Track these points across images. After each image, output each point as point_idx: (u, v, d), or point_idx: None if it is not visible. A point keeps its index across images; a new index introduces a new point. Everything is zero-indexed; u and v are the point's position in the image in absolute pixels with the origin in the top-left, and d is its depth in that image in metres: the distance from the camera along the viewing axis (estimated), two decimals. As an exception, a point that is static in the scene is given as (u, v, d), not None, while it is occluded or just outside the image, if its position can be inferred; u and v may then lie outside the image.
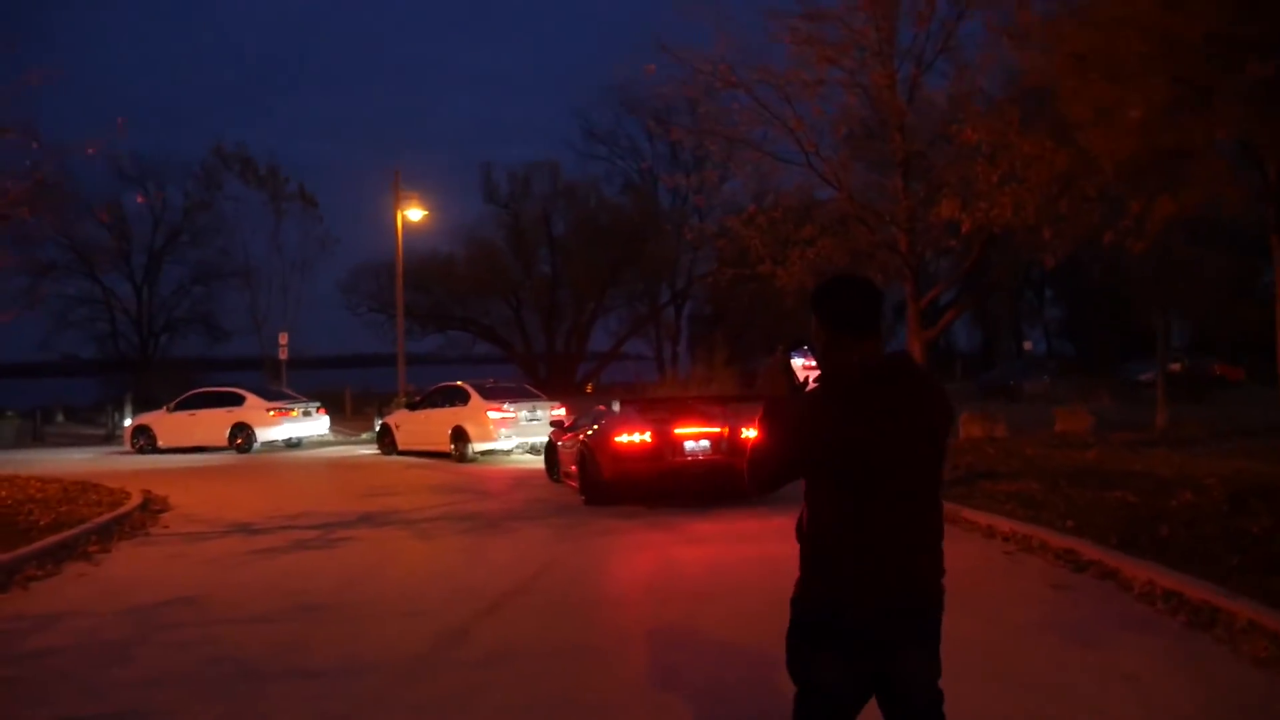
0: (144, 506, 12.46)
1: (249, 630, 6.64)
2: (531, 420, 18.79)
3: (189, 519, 11.93)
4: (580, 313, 50.51)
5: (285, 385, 27.82)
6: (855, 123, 16.24)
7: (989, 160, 13.39)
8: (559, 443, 14.68)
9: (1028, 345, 55.43)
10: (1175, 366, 30.75)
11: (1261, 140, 9.57)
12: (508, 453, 19.46)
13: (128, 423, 25.04)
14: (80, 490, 13.56)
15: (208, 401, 23.24)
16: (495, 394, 19.34)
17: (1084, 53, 8.96)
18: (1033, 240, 14.33)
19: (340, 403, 31.55)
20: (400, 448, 20.69)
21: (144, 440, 23.15)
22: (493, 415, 18.64)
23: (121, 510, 11.77)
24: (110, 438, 27.67)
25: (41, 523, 10.56)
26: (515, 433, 18.81)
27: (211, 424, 22.76)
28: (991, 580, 7.57)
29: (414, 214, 29.86)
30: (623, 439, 12.10)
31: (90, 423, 32.82)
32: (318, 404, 24.47)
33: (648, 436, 12.07)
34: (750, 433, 11.60)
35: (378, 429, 22.66)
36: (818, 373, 2.84)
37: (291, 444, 23.82)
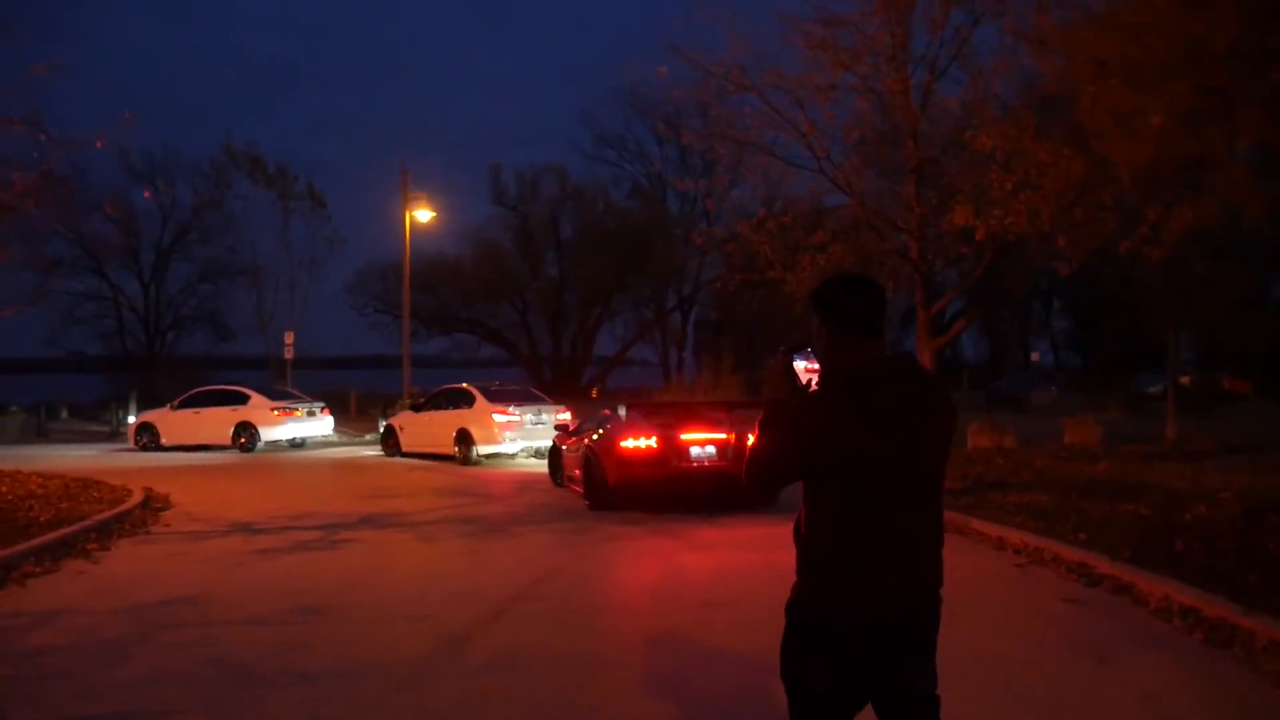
0: (145, 504, 12.38)
1: (248, 631, 6.53)
2: (537, 424, 18.69)
3: (190, 517, 11.84)
4: (586, 317, 50.49)
5: (290, 385, 27.80)
6: (868, 128, 16.16)
7: (1003, 167, 13.28)
8: (563, 447, 14.58)
9: (1035, 356, 55.35)
10: (1184, 380, 30.57)
11: (1284, 149, 9.46)
12: (512, 456, 19.35)
13: (132, 420, 24.99)
14: (82, 487, 13.48)
15: (212, 400, 23.19)
16: (500, 397, 19.25)
17: (1105, 58, 8.83)
18: (1047, 249, 14.21)
19: (345, 403, 31.53)
20: (404, 449, 20.60)
21: (147, 438, 23.11)
22: (497, 418, 18.54)
23: (122, 508, 11.69)
24: (114, 435, 27.64)
25: (41, 519, 10.47)
26: (520, 436, 18.71)
27: (215, 422, 22.70)
28: (1003, 593, 7.44)
29: (422, 215, 29.80)
30: (628, 444, 11.99)
31: (95, 419, 32.80)
32: (322, 404, 24.40)
33: (653, 442, 11.96)
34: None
35: (382, 430, 22.58)
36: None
37: (295, 444, 23.75)
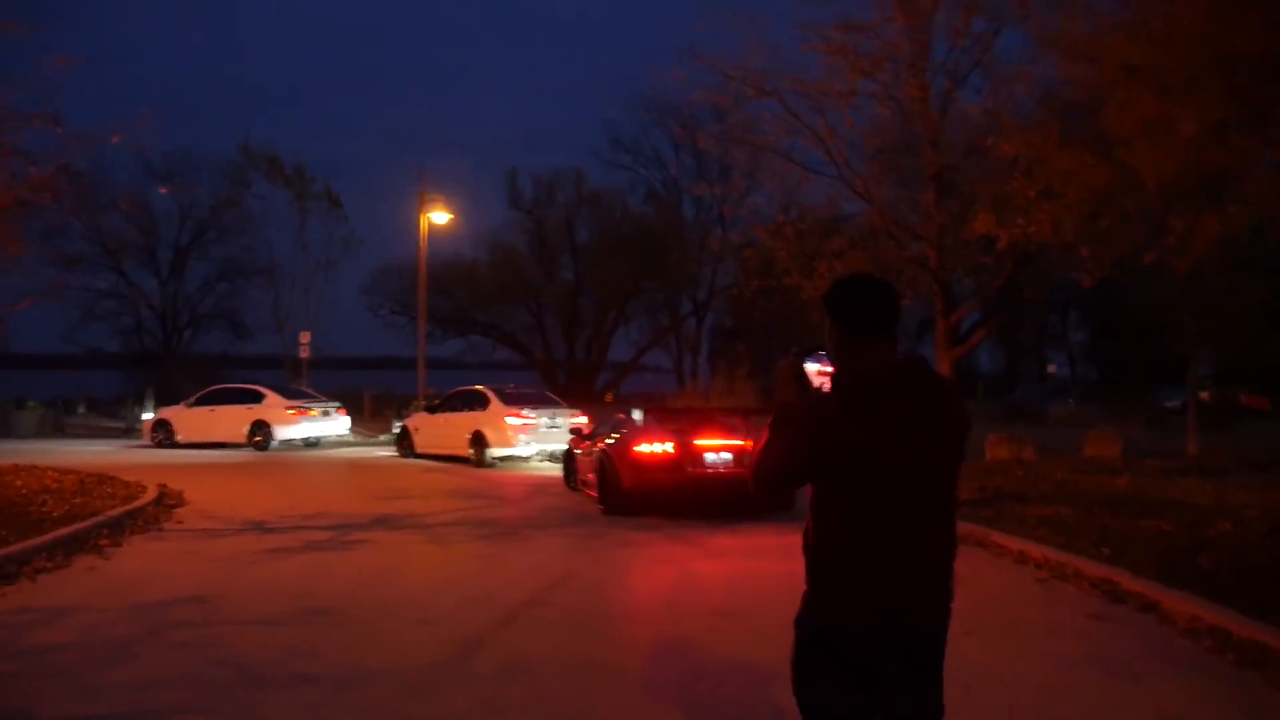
0: (158, 501, 12.34)
1: (256, 633, 6.44)
2: (551, 427, 18.59)
3: (203, 515, 11.79)
4: (601, 321, 50.45)
5: (305, 384, 27.79)
6: (888, 135, 16.02)
7: (1026, 175, 13.12)
8: (577, 450, 14.49)
9: (1052, 368, 54.96)
10: (1203, 395, 30.23)
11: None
12: (526, 459, 19.27)
13: (148, 416, 25.05)
14: (96, 482, 13.47)
15: (227, 398, 23.21)
16: (515, 400, 19.18)
17: (1134, 65, 8.68)
18: (1069, 259, 14.03)
19: (360, 404, 31.55)
20: (418, 450, 20.54)
21: (163, 434, 23.14)
22: (512, 421, 18.47)
23: (135, 504, 11.65)
24: (130, 431, 27.68)
25: (54, 514, 10.44)
26: (535, 439, 18.62)
27: (230, 420, 22.71)
28: (1026, 609, 7.29)
29: (438, 217, 29.80)
30: (643, 449, 11.90)
31: (112, 415, 32.88)
32: (337, 404, 24.39)
33: (669, 447, 11.86)
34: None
35: (396, 431, 22.55)
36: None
37: (310, 443, 23.73)
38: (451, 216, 30.31)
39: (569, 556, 9.47)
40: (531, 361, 50.53)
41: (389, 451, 22.30)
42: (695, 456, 11.86)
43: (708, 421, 12.83)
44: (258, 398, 22.95)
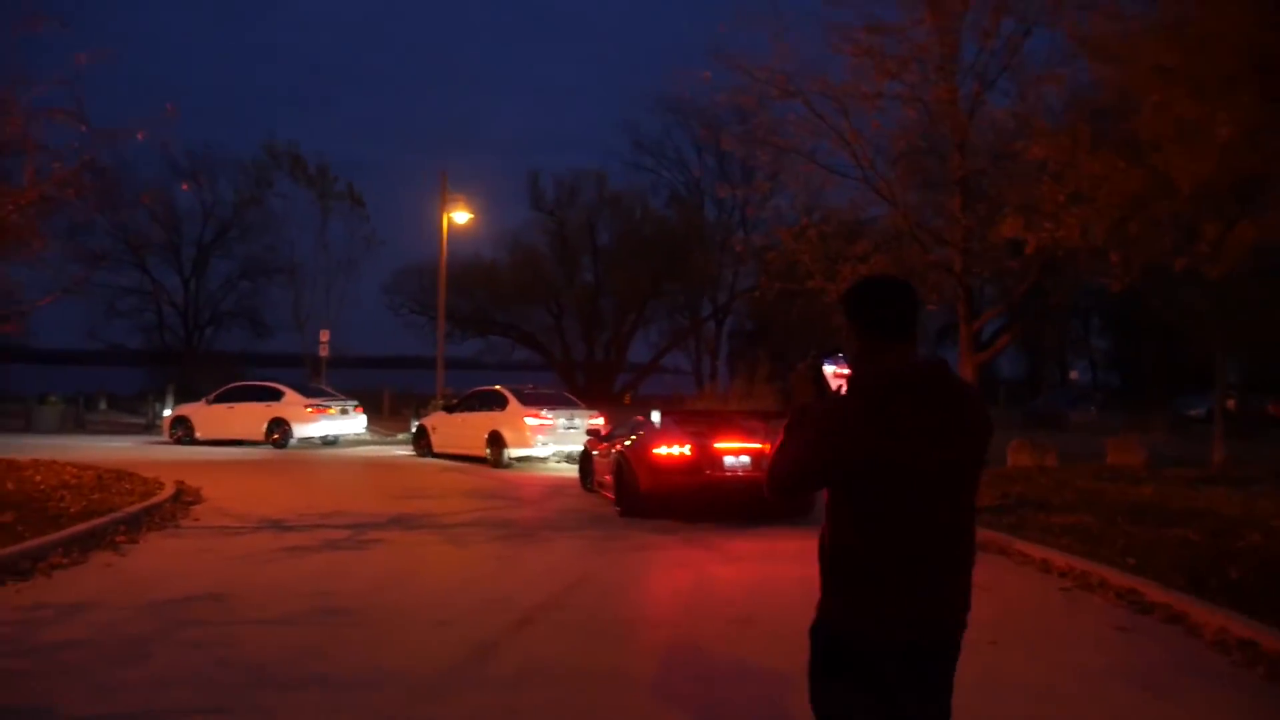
0: (176, 498, 12.33)
1: (270, 633, 6.39)
2: (569, 428, 18.53)
3: (220, 512, 11.78)
4: (621, 323, 50.38)
5: (324, 383, 27.86)
6: (914, 138, 15.87)
7: (1055, 179, 12.95)
8: (594, 452, 14.42)
9: (1073, 375, 54.49)
10: (1229, 403, 29.84)
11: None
12: (543, 460, 19.21)
13: (167, 413, 25.15)
14: (115, 478, 13.48)
15: (246, 395, 23.27)
16: (533, 400, 19.12)
17: (1169, 67, 8.53)
18: (1097, 264, 13.85)
19: (378, 403, 31.58)
20: (435, 450, 20.52)
21: (182, 431, 23.22)
22: (530, 421, 18.41)
23: (153, 500, 11.65)
24: (150, 427, 27.82)
25: (72, 510, 10.43)
26: (552, 440, 18.57)
27: (249, 418, 22.76)
28: (1051, 619, 7.16)
29: (460, 217, 29.81)
30: (661, 451, 11.81)
31: (132, 412, 33.10)
32: (356, 403, 24.40)
33: (687, 449, 11.77)
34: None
35: (414, 430, 22.54)
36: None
37: (328, 441, 23.77)
38: (472, 217, 30.32)
39: (586, 559, 9.40)
40: (550, 362, 50.53)
41: (406, 451, 22.30)
42: (714, 459, 11.77)
43: (727, 424, 12.73)
44: (276, 395, 22.99)
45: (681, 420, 13.08)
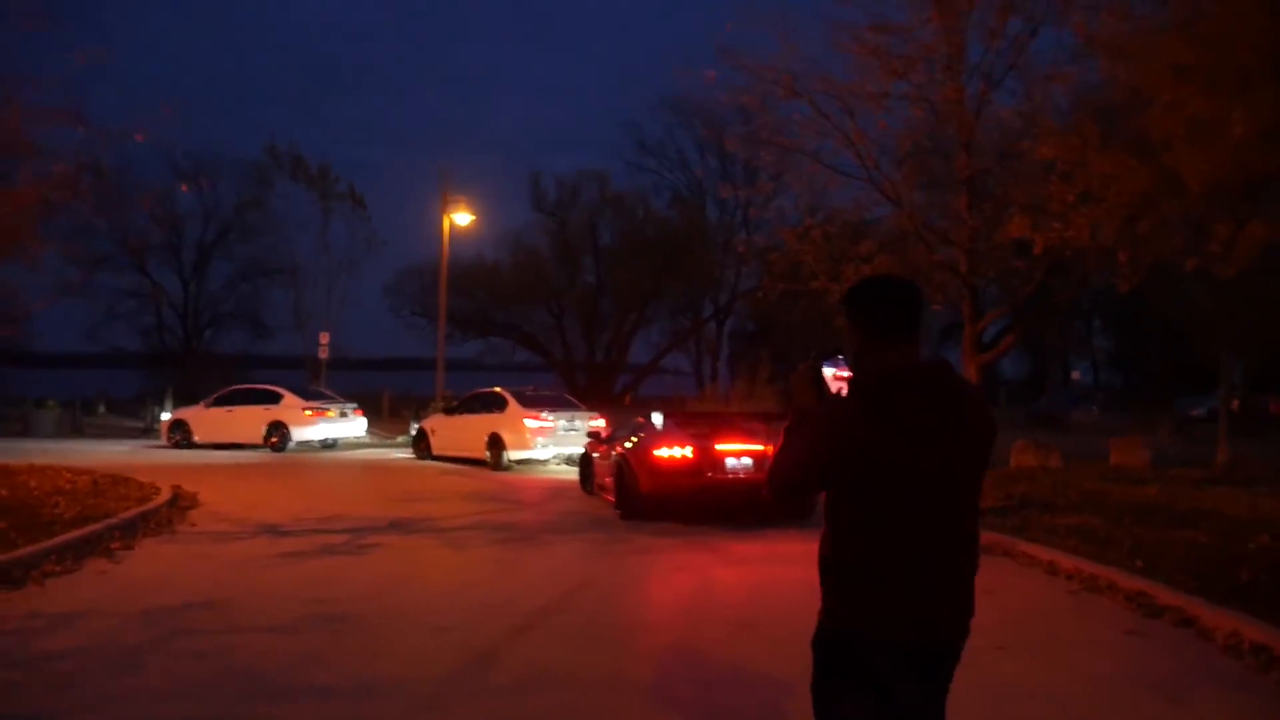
0: (172, 503, 12.22)
1: (267, 640, 6.29)
2: (570, 430, 18.42)
3: (217, 517, 11.67)
4: (622, 323, 50.32)
5: (324, 385, 27.77)
6: (920, 137, 15.77)
7: (1064, 178, 12.84)
8: (594, 454, 14.32)
9: (1076, 375, 54.40)
10: (1233, 403, 29.75)
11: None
12: (544, 462, 19.11)
13: (166, 417, 25.05)
14: (111, 483, 13.36)
15: (245, 398, 23.17)
16: (533, 402, 19.02)
17: (1184, 65, 8.41)
18: (1105, 264, 13.74)
19: (378, 405, 31.49)
20: (435, 453, 20.41)
21: (180, 435, 23.12)
22: (530, 424, 18.31)
23: (149, 506, 11.53)
24: (148, 431, 27.72)
25: (66, 516, 10.32)
26: (553, 442, 18.46)
27: (247, 421, 22.66)
28: (1059, 623, 7.05)
29: (461, 218, 29.67)
30: (662, 453, 11.71)
31: (131, 415, 32.95)
32: (355, 405, 24.30)
33: (688, 451, 11.67)
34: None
35: (413, 433, 22.44)
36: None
37: (327, 444, 23.67)
38: (474, 217, 30.18)
39: (586, 562, 9.30)
40: (551, 363, 50.47)
41: (406, 453, 22.20)
42: (715, 461, 11.67)
43: (728, 426, 12.64)
44: (275, 398, 22.89)
45: (682, 422, 12.98)
